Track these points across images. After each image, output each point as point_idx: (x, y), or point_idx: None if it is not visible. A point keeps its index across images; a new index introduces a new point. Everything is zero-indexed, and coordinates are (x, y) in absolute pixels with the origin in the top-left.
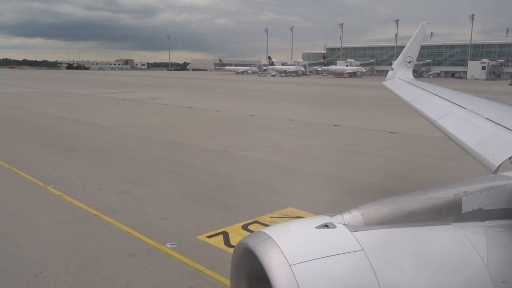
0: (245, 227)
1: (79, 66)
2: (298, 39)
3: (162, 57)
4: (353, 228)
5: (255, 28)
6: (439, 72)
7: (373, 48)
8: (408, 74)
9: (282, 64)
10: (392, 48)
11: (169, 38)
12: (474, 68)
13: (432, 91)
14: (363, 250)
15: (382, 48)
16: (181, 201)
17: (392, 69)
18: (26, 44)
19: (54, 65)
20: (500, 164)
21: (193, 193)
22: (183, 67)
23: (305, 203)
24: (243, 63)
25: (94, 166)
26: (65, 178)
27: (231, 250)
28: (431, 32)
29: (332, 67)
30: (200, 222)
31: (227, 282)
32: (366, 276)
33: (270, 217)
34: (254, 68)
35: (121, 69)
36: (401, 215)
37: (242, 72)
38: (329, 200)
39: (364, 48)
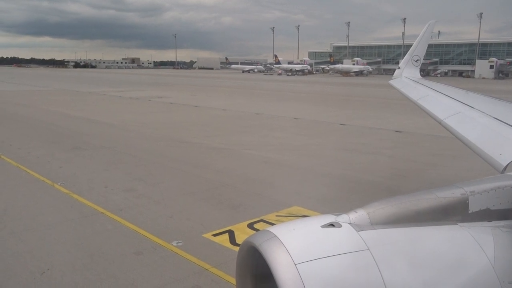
0: (250, 226)
1: (86, 65)
2: (305, 38)
3: (169, 55)
4: (359, 227)
5: (261, 27)
6: (446, 71)
7: (380, 46)
8: (415, 72)
9: (289, 63)
10: (399, 46)
11: (175, 37)
12: (482, 67)
13: (439, 90)
14: (368, 249)
15: (389, 46)
16: (186, 199)
17: (399, 67)
18: (34, 42)
19: (62, 63)
20: (508, 164)
21: (199, 191)
22: (189, 65)
23: (311, 202)
24: (250, 61)
25: (101, 164)
26: (72, 176)
27: (237, 248)
28: (439, 31)
29: (339, 66)
30: (206, 220)
31: (233, 281)
32: (371, 276)
33: (276, 215)
34: (261, 66)
35: (128, 67)
36: (407, 214)
37: (249, 71)
38: (334, 199)
39: (370, 47)
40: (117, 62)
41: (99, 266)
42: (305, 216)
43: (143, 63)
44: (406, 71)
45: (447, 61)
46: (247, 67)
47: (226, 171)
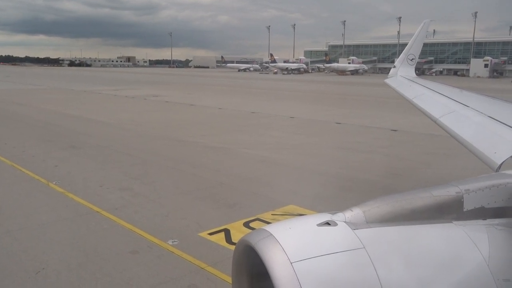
0: (246, 225)
1: (81, 63)
2: (302, 37)
3: (164, 54)
4: (354, 225)
5: (258, 25)
6: (441, 69)
7: (375, 45)
8: (411, 71)
9: (284, 62)
10: (394, 45)
11: (171, 35)
12: (477, 66)
13: (434, 89)
14: (364, 247)
15: (384, 45)
16: (182, 198)
17: (394, 66)
18: (29, 41)
19: (57, 62)
20: (503, 162)
21: (195, 190)
22: (185, 64)
23: (307, 200)
24: (245, 60)
25: (96, 163)
26: (67, 175)
27: (233, 247)
28: (434, 30)
29: (334, 65)
30: (202, 219)
31: (229, 279)
32: (367, 274)
33: (272, 214)
34: (256, 65)
35: (123, 66)
36: (402, 213)
37: (244, 70)
38: (330, 198)
39: (366, 46)
40: (113, 61)
41: (95, 265)
42: (301, 214)
43: (138, 61)
44: (402, 70)
45: (442, 60)
46: (243, 65)
47: (222, 170)
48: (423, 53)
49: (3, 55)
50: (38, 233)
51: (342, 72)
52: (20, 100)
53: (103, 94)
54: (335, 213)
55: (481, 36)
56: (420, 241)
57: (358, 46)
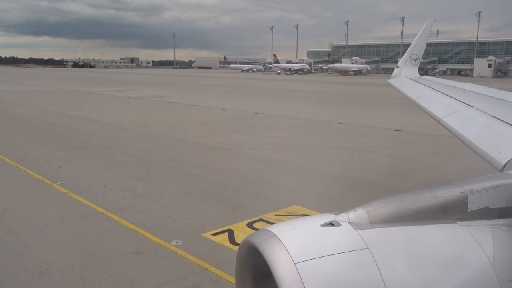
0: (250, 225)
1: (85, 64)
2: (304, 37)
3: (167, 55)
4: (358, 226)
5: (261, 26)
6: (445, 69)
7: (378, 45)
8: (414, 71)
9: (287, 62)
10: (397, 45)
11: (174, 36)
12: (481, 65)
13: (438, 88)
14: (368, 248)
15: (387, 45)
16: (185, 199)
17: (397, 66)
18: (33, 42)
19: (60, 63)
20: (507, 162)
21: (198, 191)
22: (188, 65)
23: (310, 201)
24: (248, 61)
25: (99, 164)
26: (71, 176)
27: (236, 247)
28: (437, 30)
29: (338, 65)
30: (205, 219)
31: (232, 280)
32: (371, 274)
33: (275, 215)
34: (259, 66)
35: (127, 67)
36: (406, 213)
37: (247, 70)
38: (333, 198)
39: (369, 46)
40: (116, 62)
41: (99, 265)
42: (304, 215)
43: (141, 62)
44: (405, 70)
45: (446, 60)
46: (246, 66)
47: (225, 171)
48: (426, 53)
49: (7, 56)
50: (42, 233)
51: (345, 72)
52: (24, 101)
53: (106, 95)
54: (339, 213)
55: (485, 35)
56: (424, 241)
57: (361, 46)
